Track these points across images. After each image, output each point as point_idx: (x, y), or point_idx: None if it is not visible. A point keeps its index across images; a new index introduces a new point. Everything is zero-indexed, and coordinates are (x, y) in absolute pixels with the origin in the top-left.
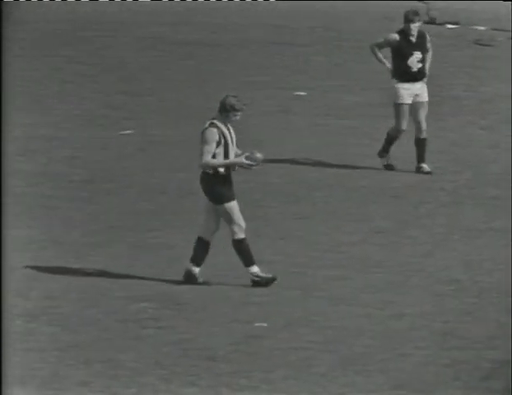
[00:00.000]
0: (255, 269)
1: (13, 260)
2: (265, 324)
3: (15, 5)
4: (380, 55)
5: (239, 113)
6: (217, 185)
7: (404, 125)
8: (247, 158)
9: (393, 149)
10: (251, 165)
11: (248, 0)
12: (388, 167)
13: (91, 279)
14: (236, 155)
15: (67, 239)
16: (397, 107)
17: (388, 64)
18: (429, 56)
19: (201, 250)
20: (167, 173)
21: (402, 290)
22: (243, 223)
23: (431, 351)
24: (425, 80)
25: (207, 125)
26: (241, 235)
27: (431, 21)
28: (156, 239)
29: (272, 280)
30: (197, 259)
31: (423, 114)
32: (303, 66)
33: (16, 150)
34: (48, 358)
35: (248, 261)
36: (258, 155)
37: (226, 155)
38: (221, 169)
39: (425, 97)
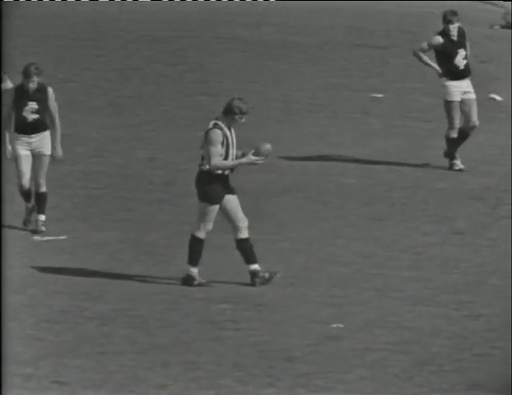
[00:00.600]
0: (194, 271)
1: (88, 262)
2: (341, 325)
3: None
4: (426, 58)
5: (245, 116)
6: (209, 184)
7: (457, 122)
8: (254, 154)
9: (463, 151)
10: (258, 160)
11: (323, 1)
12: (461, 170)
13: (170, 281)
14: (237, 157)
15: (146, 241)
16: (449, 105)
17: (436, 66)
18: (468, 51)
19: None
20: (245, 173)
21: (479, 291)
22: (210, 226)
23: (507, 352)
24: (470, 76)
25: (211, 126)
26: (201, 235)
27: (509, 26)
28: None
29: (206, 284)
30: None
31: (475, 111)
32: (380, 68)
33: (92, 151)
34: (125, 361)
35: (191, 260)
36: (267, 146)
37: (226, 157)
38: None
39: (473, 94)
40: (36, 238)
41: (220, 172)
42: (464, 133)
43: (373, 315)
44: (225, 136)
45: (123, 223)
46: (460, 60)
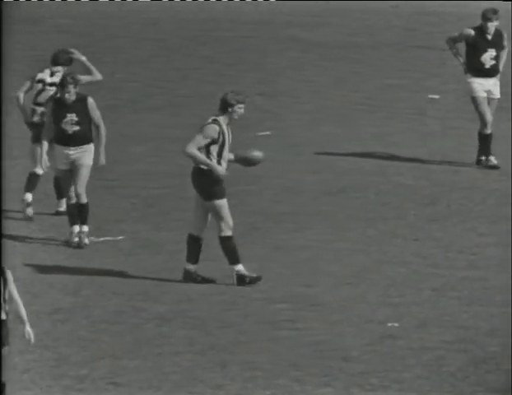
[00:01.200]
0: (240, 267)
1: (146, 263)
2: (397, 324)
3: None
4: (456, 49)
5: (243, 106)
6: (209, 181)
7: (488, 115)
8: (243, 160)
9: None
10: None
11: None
12: (494, 167)
13: (228, 281)
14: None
15: (206, 241)
16: (475, 100)
17: (462, 59)
18: (504, 53)
19: (193, 247)
20: (304, 174)
21: None
22: (231, 221)
23: None
24: (498, 76)
25: (210, 120)
26: (228, 233)
27: None
28: (293, 240)
29: (257, 279)
30: (192, 257)
31: (492, 111)
32: (437, 69)
33: (151, 151)
34: (183, 362)
35: (233, 259)
36: (256, 154)
37: (220, 155)
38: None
39: (497, 94)
40: (92, 238)
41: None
42: (481, 135)
43: (429, 314)
44: (222, 133)
45: (181, 223)
46: (488, 59)
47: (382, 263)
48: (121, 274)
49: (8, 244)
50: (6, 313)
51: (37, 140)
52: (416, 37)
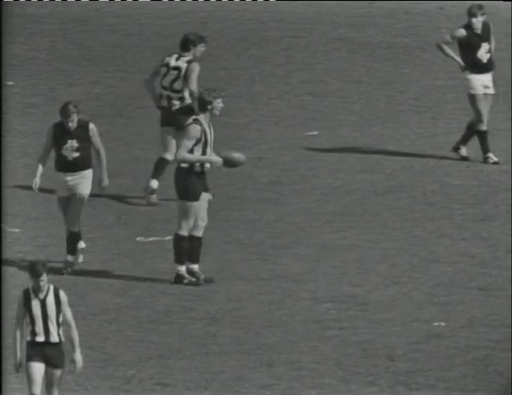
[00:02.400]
0: (183, 269)
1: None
2: (443, 323)
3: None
4: (449, 50)
5: (221, 100)
6: (188, 181)
7: (485, 113)
8: (226, 161)
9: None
10: (219, 163)
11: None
12: (496, 163)
13: (276, 280)
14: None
15: (253, 240)
16: (474, 97)
17: (459, 59)
18: (492, 46)
19: (190, 247)
20: (351, 174)
21: None
22: (192, 223)
23: None
24: (493, 70)
25: (190, 121)
26: (185, 233)
27: None
28: (341, 240)
29: (196, 283)
30: (194, 257)
31: (488, 107)
32: None
33: None
34: (230, 361)
35: (179, 259)
36: (236, 155)
37: (203, 153)
38: (198, 167)
39: (492, 90)
40: (140, 239)
41: (199, 169)
42: (479, 133)
43: (476, 314)
44: (203, 132)
45: (230, 223)
46: (483, 54)
47: (429, 263)
48: (169, 274)
49: (54, 245)
50: (61, 336)
51: (165, 124)
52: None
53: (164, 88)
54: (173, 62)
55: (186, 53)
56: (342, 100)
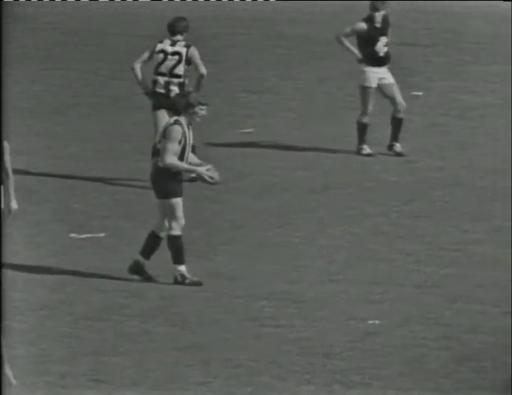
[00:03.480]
0: (183, 268)
1: (129, 260)
2: (379, 321)
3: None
4: (347, 43)
5: (205, 108)
6: (166, 180)
7: (370, 108)
8: (208, 170)
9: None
10: (209, 182)
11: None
12: (370, 155)
13: (212, 278)
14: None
15: (188, 237)
16: (364, 90)
17: (357, 52)
18: (389, 39)
19: (150, 244)
20: (288, 171)
21: None
22: (183, 221)
23: None
24: (389, 63)
25: (171, 121)
26: (178, 232)
27: None
28: (278, 237)
29: (197, 283)
30: (146, 252)
31: (398, 94)
32: (422, 66)
33: (134, 149)
34: (165, 358)
35: (178, 259)
36: (215, 176)
37: (182, 156)
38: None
39: (390, 79)
40: (73, 235)
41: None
42: (395, 119)
43: (412, 312)
44: (184, 134)
45: None
46: (381, 47)
47: (365, 260)
48: (104, 271)
49: None
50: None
51: (160, 107)
52: (401, 34)
53: (161, 74)
54: (169, 48)
55: (179, 38)
56: (279, 97)
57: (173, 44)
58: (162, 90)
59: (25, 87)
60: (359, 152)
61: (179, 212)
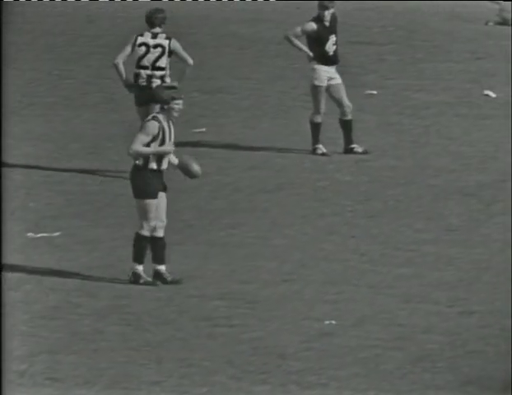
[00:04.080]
0: (140, 268)
1: (82, 259)
2: (334, 322)
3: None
4: (297, 42)
5: (180, 102)
6: (144, 180)
7: (323, 107)
8: (189, 158)
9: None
10: (191, 172)
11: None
12: (325, 154)
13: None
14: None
15: None
16: (316, 89)
17: (306, 49)
18: (337, 37)
19: (153, 248)
20: (240, 171)
21: (472, 288)
22: (153, 223)
23: (501, 349)
24: (338, 63)
25: (149, 117)
26: (146, 233)
27: (504, 22)
28: (230, 237)
29: (152, 284)
30: (156, 257)
31: (344, 95)
32: (376, 65)
33: (86, 148)
34: (118, 358)
35: (137, 258)
36: (195, 167)
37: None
38: (154, 165)
39: (339, 79)
40: (30, 234)
41: (155, 167)
42: (344, 122)
43: (366, 312)
44: (162, 129)
45: (117, 220)
46: (331, 46)
47: (319, 260)
48: (58, 270)
49: None
50: None
51: (141, 103)
52: (356, 33)
53: (143, 67)
54: (151, 41)
55: (158, 30)
56: (231, 97)
57: (154, 36)
58: (144, 84)
59: None
60: (314, 152)
61: (151, 214)
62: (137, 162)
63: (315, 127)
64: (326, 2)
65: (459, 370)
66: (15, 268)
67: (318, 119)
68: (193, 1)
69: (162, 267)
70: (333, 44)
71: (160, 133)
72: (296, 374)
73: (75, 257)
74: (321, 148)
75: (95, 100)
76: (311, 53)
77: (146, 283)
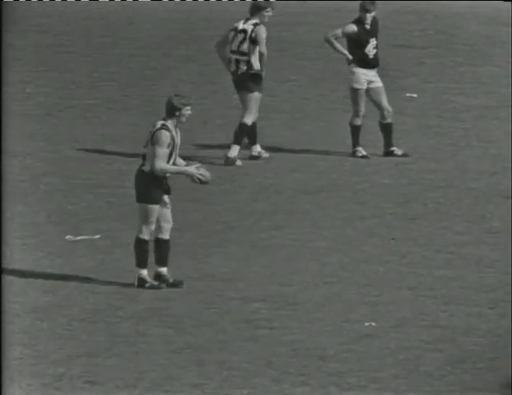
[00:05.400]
0: (144, 272)
1: (123, 262)
2: (374, 324)
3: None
4: (338, 44)
5: (190, 108)
6: (147, 184)
7: (363, 110)
8: (198, 169)
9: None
10: (200, 181)
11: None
12: (365, 157)
13: (205, 280)
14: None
15: (181, 239)
16: (355, 92)
17: (346, 52)
18: (378, 41)
19: (158, 250)
20: (281, 173)
21: None
22: (153, 227)
23: None
24: (378, 66)
25: (158, 126)
26: (146, 237)
27: None
28: (271, 239)
29: (158, 287)
30: (160, 260)
31: (385, 99)
32: (416, 68)
33: (126, 150)
34: (159, 360)
35: (140, 262)
36: (207, 174)
37: (168, 160)
38: None
39: (380, 82)
40: (69, 237)
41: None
42: (384, 125)
43: (406, 314)
44: (172, 138)
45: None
46: (371, 49)
47: (359, 262)
48: (98, 273)
49: None
50: None
51: (237, 89)
52: (396, 36)
53: (232, 52)
54: (240, 26)
55: (253, 17)
56: (272, 99)
57: (245, 22)
58: (234, 68)
59: (17, 89)
60: (354, 154)
61: (152, 218)
62: (144, 168)
63: (355, 130)
64: (367, 5)
65: (499, 372)
66: (51, 272)
67: (358, 122)
68: (229, 1)
69: (164, 269)
70: (374, 48)
71: (171, 142)
72: (336, 375)
73: (115, 260)
74: (361, 151)
75: (135, 103)
76: (350, 56)
77: (152, 287)
